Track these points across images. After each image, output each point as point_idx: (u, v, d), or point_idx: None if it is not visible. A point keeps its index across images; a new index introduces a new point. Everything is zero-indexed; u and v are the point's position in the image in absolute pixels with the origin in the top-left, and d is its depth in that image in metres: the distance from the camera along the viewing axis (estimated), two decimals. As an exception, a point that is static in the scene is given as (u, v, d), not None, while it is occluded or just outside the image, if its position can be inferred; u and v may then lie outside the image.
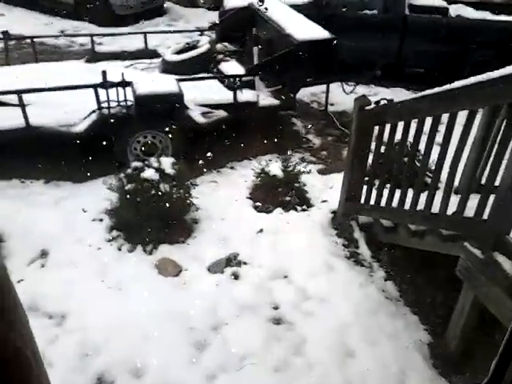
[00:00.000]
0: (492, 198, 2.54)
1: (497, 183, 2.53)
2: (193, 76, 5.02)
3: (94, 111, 4.34)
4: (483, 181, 2.85)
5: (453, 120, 2.73)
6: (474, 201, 2.71)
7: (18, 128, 4.21)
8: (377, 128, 3.51)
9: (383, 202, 3.50)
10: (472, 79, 2.52)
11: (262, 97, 5.07)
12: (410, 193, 3.22)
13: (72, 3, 8.91)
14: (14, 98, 4.19)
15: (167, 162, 3.67)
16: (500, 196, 2.46)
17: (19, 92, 4.12)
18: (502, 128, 2.57)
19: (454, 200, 2.86)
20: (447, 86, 2.73)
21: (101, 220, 3.85)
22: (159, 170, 3.59)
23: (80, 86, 4.27)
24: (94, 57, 5.82)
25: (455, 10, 7.55)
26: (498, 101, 2.52)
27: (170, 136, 4.50)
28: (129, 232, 3.59)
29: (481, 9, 7.77)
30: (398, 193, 3.35)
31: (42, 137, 4.26)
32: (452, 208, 2.89)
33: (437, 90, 2.89)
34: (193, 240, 3.76)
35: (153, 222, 3.44)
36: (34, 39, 5.77)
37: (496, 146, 2.60)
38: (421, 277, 3.43)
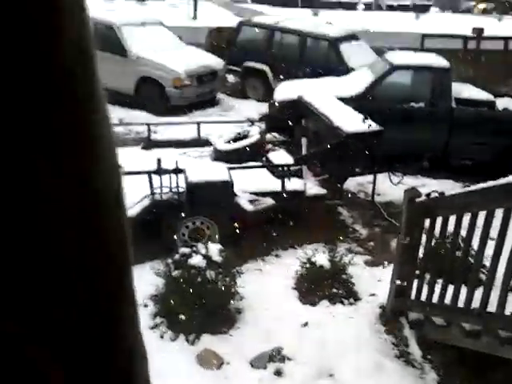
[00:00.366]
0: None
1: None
2: (243, 165, 5.17)
3: (146, 196, 4.49)
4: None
5: (508, 214, 2.66)
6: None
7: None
8: (427, 220, 3.45)
9: (435, 299, 3.36)
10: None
11: (310, 186, 5.13)
12: (464, 289, 3.08)
13: (132, 94, 9.54)
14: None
15: (214, 249, 3.70)
16: None
17: None
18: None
19: (512, 299, 2.72)
20: (501, 181, 2.69)
21: (146, 306, 3.85)
22: (206, 256, 3.61)
23: (135, 172, 4.46)
24: (149, 144, 6.12)
25: (502, 103, 7.60)
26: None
27: (218, 222, 4.57)
28: (172, 319, 3.55)
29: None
30: (450, 289, 3.21)
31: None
32: (510, 307, 2.73)
33: (489, 184, 2.85)
34: (236, 331, 3.67)
35: (197, 310, 3.41)
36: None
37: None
38: (477, 381, 3.18)
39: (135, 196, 4.51)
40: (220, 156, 5.61)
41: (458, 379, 3.27)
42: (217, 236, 4.64)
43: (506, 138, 6.96)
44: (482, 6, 47.18)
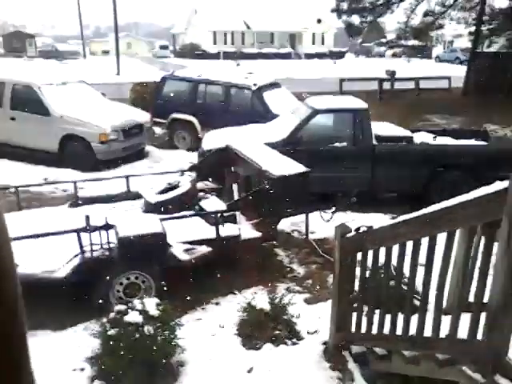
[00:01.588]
0: (483, 316, 2.51)
1: (485, 300, 2.52)
2: (175, 214, 5.13)
3: (76, 255, 4.33)
4: (471, 298, 2.84)
5: (432, 242, 2.80)
6: (466, 321, 2.67)
7: None
8: (359, 254, 3.56)
9: (374, 330, 3.43)
10: (444, 203, 2.64)
11: (244, 230, 5.16)
12: (401, 317, 3.17)
13: (56, 152, 9.32)
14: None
15: (151, 303, 3.59)
16: (491, 315, 2.44)
17: None
18: (481, 246, 2.63)
19: (447, 321, 2.82)
20: (423, 211, 2.85)
21: (82, 369, 3.64)
22: (143, 311, 3.50)
23: (61, 231, 4.31)
24: (77, 202, 5.95)
25: (419, 137, 8.12)
26: (473, 222, 2.61)
27: (154, 275, 4.48)
28: (112, 381, 3.38)
29: (441, 135, 8.39)
30: (388, 318, 3.29)
31: (23, 284, 4.17)
32: (445, 330, 2.83)
33: (412, 215, 3.00)
34: (179, 386, 3.54)
35: (137, 368, 3.27)
36: (19, 188, 5.92)
37: (478, 264, 2.64)
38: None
39: (64, 256, 4.34)
40: (151, 208, 5.54)
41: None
42: (153, 289, 4.53)
43: (426, 169, 7.41)
44: (390, 51, 50.84)
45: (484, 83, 20.16)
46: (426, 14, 21.27)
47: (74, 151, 9.19)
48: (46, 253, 4.39)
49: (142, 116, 10.45)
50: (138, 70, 34.58)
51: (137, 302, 3.63)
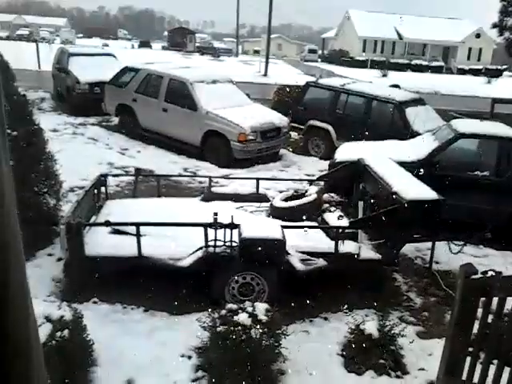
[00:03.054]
0: None
1: None
2: (297, 224, 5.21)
3: (200, 248, 4.61)
4: None
5: None
6: None
7: (130, 256, 4.57)
8: (483, 298, 3.32)
9: (489, 382, 3.18)
10: None
11: (364, 249, 5.07)
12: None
13: (199, 146, 9.97)
14: (133, 229, 4.63)
15: (261, 308, 3.71)
16: None
17: (137, 224, 4.56)
18: None
19: None
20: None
21: (189, 357, 3.89)
22: (253, 314, 3.63)
23: (191, 223, 4.64)
24: (209, 196, 6.32)
25: None
26: None
27: (268, 279, 4.61)
28: (214, 374, 3.56)
29: None
30: (506, 373, 3.04)
31: (151, 267, 4.58)
32: None
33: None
34: (277, 393, 3.61)
35: (239, 368, 3.40)
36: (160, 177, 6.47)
37: None
38: None
39: (190, 247, 4.65)
40: (276, 213, 5.69)
41: None
42: (266, 293, 4.66)
43: None
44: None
45: None
46: None
47: (214, 147, 9.75)
48: (175, 241, 4.74)
49: (281, 120, 10.70)
50: (284, 72, 35.42)
51: (248, 304, 3.77)
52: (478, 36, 57.51)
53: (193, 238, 4.64)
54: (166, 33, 68.32)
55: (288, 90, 15.00)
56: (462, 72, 53.01)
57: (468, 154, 7.30)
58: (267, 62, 31.62)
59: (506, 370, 3.13)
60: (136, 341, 4.03)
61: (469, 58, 58.38)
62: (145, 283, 4.59)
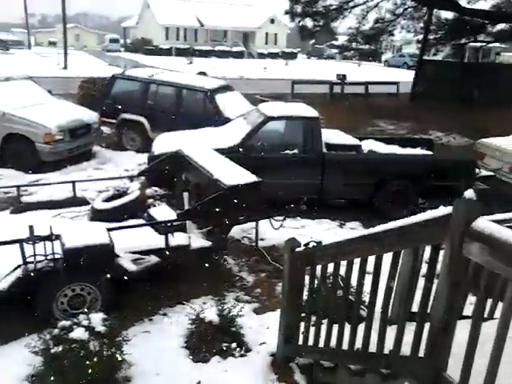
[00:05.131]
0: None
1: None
2: (123, 224, 5.02)
3: (18, 266, 4.16)
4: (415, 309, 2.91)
5: (379, 260, 2.87)
6: (410, 335, 2.75)
7: None
8: (308, 268, 3.61)
9: (321, 343, 3.49)
10: (389, 225, 2.72)
11: (194, 239, 5.12)
12: (347, 330, 3.22)
13: (-3, 152, 8.94)
14: None
15: (97, 319, 3.50)
16: (432, 333, 2.53)
17: None
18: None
19: (392, 334, 2.89)
20: (370, 230, 2.92)
21: (23, 388, 3.52)
22: (89, 327, 3.41)
23: (3, 242, 4.13)
24: (20, 207, 5.72)
25: (367, 145, 8.33)
26: (419, 244, 2.69)
27: (100, 286, 4.37)
28: (54, 402, 3.28)
29: (388, 143, 8.63)
30: (335, 330, 3.35)
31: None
32: (389, 345, 2.91)
33: (360, 233, 3.08)
34: (125, 402, 3.48)
35: (82, 387, 3.18)
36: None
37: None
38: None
39: (6, 267, 4.17)
40: (98, 216, 5.39)
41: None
42: (99, 301, 4.42)
43: (373, 178, 7.61)
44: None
45: (430, 90, 20.95)
46: (376, 21, 21.85)
47: (17, 151, 8.82)
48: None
49: (90, 115, 10.16)
50: (86, 63, 33.66)
51: (83, 318, 3.54)
52: (272, 22, 61.83)
53: (8, 257, 4.16)
54: None
55: (93, 82, 14.28)
56: (262, 56, 56.56)
57: (278, 134, 7.82)
58: (66, 54, 29.64)
59: (335, 328, 3.45)
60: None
61: (266, 43, 62.58)
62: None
